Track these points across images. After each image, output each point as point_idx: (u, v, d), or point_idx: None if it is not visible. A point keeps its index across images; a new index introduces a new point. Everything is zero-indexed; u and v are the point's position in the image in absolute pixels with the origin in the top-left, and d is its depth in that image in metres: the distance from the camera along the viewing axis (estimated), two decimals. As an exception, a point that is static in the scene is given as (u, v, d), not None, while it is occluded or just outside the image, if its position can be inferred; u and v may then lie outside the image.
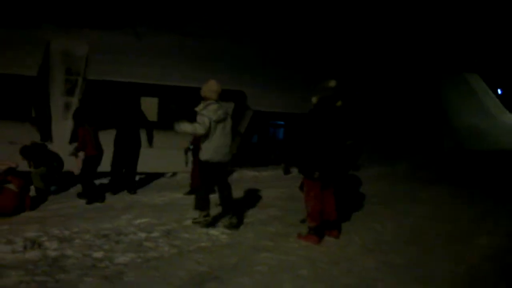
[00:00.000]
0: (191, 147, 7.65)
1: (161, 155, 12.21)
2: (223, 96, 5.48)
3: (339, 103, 4.86)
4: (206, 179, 5.42)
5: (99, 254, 4.50)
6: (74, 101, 13.35)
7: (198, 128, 5.16)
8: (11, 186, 6.87)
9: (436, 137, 16.40)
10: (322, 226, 4.93)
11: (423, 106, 16.90)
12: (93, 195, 7.38)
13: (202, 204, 5.50)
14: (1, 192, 6.73)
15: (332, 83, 4.82)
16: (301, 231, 5.13)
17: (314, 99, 4.85)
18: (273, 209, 6.65)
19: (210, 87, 5.38)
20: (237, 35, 14.99)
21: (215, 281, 3.77)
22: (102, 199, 7.47)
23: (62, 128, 13.06)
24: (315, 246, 4.75)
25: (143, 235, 5.22)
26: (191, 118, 5.51)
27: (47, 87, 13.16)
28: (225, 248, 4.64)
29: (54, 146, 10.49)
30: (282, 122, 14.97)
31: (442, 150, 14.91)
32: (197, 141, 7.16)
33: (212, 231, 5.34)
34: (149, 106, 13.91)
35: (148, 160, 11.87)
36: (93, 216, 6.55)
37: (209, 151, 5.27)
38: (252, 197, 7.61)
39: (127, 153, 8.02)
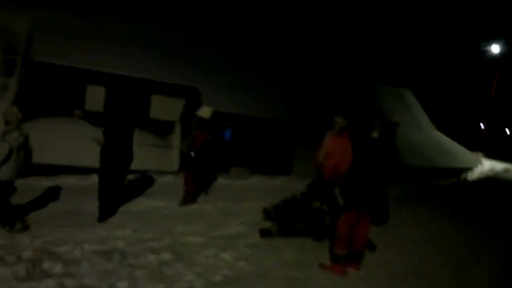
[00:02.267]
0: (192, 154, 7.54)
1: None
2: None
3: (375, 135, 5.13)
4: None
5: (123, 284, 4.13)
6: (12, 82, 12.10)
7: None
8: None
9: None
10: (348, 256, 5.23)
11: (361, 119, 18.06)
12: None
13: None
14: None
15: (395, 118, 5.10)
16: (321, 260, 5.24)
17: (375, 134, 4.97)
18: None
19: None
20: (195, 29, 14.75)
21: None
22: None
23: (-3, 112, 11.77)
24: (341, 279, 4.82)
25: (152, 257, 5.01)
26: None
27: (-18, 65, 11.73)
28: (256, 280, 4.51)
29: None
30: (230, 123, 15.05)
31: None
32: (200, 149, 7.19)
33: (222, 255, 5.25)
34: (96, 95, 13.16)
35: (90, 153, 11.38)
36: (62, 223, 6.16)
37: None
38: (235, 211, 7.64)
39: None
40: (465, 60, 35.37)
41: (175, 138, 13.23)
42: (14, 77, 12.08)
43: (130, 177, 9.53)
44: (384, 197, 6.35)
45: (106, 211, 6.36)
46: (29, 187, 8.22)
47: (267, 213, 6.88)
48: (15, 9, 12.24)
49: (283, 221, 6.32)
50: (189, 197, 7.66)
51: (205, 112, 7.43)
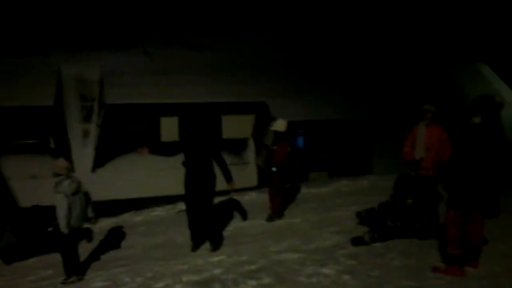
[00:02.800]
0: (274, 169, 7.39)
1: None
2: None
3: (477, 120, 4.57)
4: None
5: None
6: (92, 127, 12.75)
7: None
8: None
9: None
10: (464, 255, 4.72)
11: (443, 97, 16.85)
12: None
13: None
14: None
15: (498, 99, 4.55)
16: (430, 263, 4.80)
17: (477, 119, 4.44)
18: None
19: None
20: (252, 45, 14.81)
21: None
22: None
23: (82, 157, 12.48)
24: (464, 283, 4.33)
25: (253, 282, 4.81)
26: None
27: (63, 116, 12.50)
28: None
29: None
30: (301, 131, 14.82)
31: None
32: (281, 163, 7.03)
33: (324, 270, 4.94)
34: (170, 126, 13.53)
35: (171, 182, 11.59)
36: (158, 256, 6.21)
37: None
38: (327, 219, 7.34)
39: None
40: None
41: (250, 154, 13.21)
42: (93, 122, 12.71)
43: (215, 200, 9.56)
44: (494, 187, 5.70)
45: (199, 239, 6.32)
46: (121, 224, 8.49)
47: (361, 218, 6.52)
48: (84, 57, 12.94)
49: (376, 224, 5.93)
50: (276, 213, 7.49)
51: (280, 125, 7.26)
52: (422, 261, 4.92)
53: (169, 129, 13.38)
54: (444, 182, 4.59)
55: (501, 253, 5.03)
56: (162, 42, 14.28)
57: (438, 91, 16.71)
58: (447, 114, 6.58)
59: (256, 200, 9.29)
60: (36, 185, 11.24)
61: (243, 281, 4.67)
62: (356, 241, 5.77)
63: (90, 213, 6.09)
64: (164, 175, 12.33)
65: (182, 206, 9.52)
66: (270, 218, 7.44)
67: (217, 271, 5.15)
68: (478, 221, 4.59)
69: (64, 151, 12.13)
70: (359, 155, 14.58)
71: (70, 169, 5.95)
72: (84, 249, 7.03)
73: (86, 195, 6.01)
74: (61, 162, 5.85)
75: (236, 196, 9.63)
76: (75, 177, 5.86)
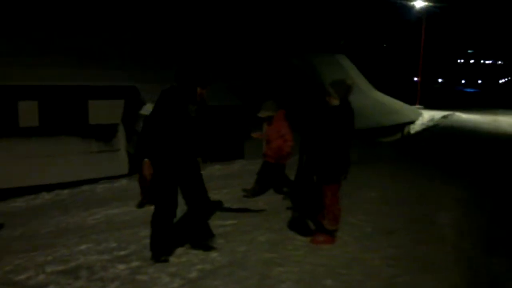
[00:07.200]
0: None
1: (46, 163, 11.40)
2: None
3: (336, 102, 4.90)
4: None
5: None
6: None
7: None
8: None
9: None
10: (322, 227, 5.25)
11: (300, 85, 18.01)
12: None
13: None
14: None
15: (349, 82, 5.06)
16: (290, 238, 5.30)
17: (335, 101, 4.83)
18: (230, 215, 6.61)
19: None
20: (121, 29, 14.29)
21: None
22: None
23: None
24: (318, 253, 4.82)
25: (122, 266, 4.78)
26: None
27: None
28: (233, 269, 4.41)
29: None
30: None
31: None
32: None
33: (193, 251, 5.03)
34: (29, 110, 12.49)
35: (31, 171, 10.88)
36: (18, 248, 5.80)
37: None
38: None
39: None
40: (392, 19, 36.42)
41: (120, 140, 12.81)
42: None
43: (84, 188, 9.19)
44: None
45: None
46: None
47: None
48: None
49: None
50: (147, 199, 7.43)
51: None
52: (284, 235, 5.34)
53: (29, 114, 12.33)
54: (315, 163, 4.97)
55: (350, 224, 5.70)
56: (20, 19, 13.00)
57: (301, 81, 17.87)
58: (304, 100, 7.32)
59: (127, 187, 9.08)
60: None
61: (112, 265, 4.60)
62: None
63: None
64: (24, 163, 11.40)
65: (46, 196, 8.98)
66: (141, 204, 7.36)
67: (84, 259, 4.98)
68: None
69: None
70: (231, 141, 15.04)
71: None
72: None
73: None
74: None
75: (107, 184, 9.31)
76: None
